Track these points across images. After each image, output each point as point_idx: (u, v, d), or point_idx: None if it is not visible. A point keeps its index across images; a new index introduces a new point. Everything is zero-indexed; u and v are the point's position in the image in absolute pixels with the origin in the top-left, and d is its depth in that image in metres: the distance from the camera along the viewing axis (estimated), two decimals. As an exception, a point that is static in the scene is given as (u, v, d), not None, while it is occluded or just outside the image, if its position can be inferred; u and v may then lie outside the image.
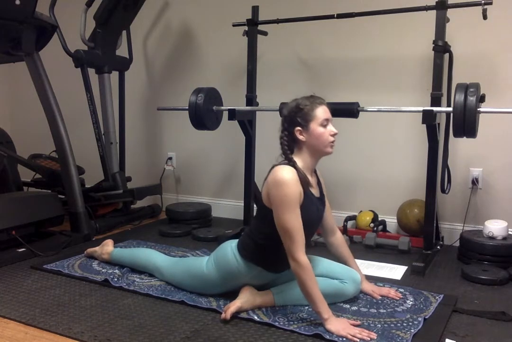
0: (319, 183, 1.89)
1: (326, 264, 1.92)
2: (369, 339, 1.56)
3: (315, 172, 1.89)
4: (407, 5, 2.43)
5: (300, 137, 1.73)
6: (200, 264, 1.92)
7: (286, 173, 1.67)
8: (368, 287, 1.97)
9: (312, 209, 1.78)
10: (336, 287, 1.84)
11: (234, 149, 3.30)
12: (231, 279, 1.85)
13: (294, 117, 1.73)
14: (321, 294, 1.64)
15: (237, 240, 1.92)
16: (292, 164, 1.72)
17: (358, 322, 1.68)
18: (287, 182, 1.66)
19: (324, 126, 1.73)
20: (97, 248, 2.39)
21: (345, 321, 1.66)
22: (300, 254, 1.64)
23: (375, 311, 1.80)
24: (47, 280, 2.14)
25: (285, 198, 1.65)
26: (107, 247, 2.36)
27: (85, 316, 1.77)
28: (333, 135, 1.75)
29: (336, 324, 1.62)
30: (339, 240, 2.00)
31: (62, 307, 1.85)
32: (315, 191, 1.82)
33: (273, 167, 1.74)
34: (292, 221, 1.65)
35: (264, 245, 1.78)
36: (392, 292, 1.95)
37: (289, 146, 1.77)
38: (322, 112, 1.73)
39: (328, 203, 1.95)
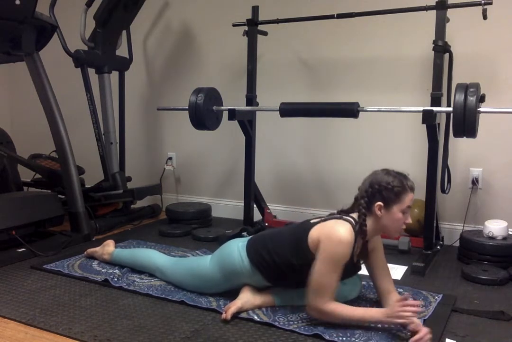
0: (364, 249, 1.78)
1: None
2: (419, 309, 1.58)
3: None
4: (407, 5, 2.43)
5: (378, 212, 1.69)
6: (204, 262, 1.93)
7: (346, 233, 1.64)
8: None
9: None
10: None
11: (234, 149, 3.30)
12: (233, 277, 1.85)
13: (381, 192, 1.69)
14: (355, 309, 1.65)
15: (243, 239, 1.92)
16: (364, 229, 1.69)
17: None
18: (344, 242, 1.62)
19: (404, 213, 1.70)
20: (97, 248, 2.39)
21: (389, 307, 1.63)
22: (325, 305, 1.63)
23: (375, 311, 1.80)
24: (47, 280, 2.14)
25: (335, 256, 1.62)
26: (108, 248, 2.36)
27: (85, 316, 1.77)
28: (406, 223, 1.74)
29: (387, 313, 1.59)
30: (393, 301, 1.74)
31: (62, 307, 1.85)
32: (355, 256, 1.76)
33: (339, 216, 1.72)
34: (331, 279, 1.63)
35: (278, 267, 1.75)
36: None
37: (365, 214, 1.72)
38: (409, 199, 1.70)
39: (386, 264, 1.84)
